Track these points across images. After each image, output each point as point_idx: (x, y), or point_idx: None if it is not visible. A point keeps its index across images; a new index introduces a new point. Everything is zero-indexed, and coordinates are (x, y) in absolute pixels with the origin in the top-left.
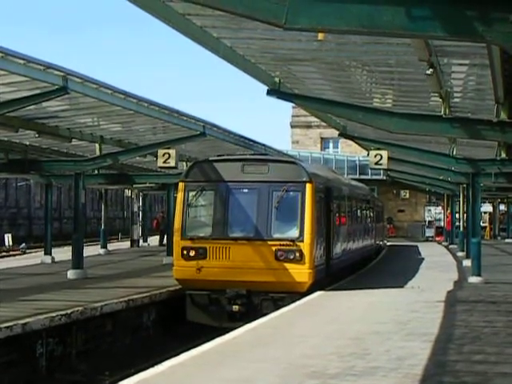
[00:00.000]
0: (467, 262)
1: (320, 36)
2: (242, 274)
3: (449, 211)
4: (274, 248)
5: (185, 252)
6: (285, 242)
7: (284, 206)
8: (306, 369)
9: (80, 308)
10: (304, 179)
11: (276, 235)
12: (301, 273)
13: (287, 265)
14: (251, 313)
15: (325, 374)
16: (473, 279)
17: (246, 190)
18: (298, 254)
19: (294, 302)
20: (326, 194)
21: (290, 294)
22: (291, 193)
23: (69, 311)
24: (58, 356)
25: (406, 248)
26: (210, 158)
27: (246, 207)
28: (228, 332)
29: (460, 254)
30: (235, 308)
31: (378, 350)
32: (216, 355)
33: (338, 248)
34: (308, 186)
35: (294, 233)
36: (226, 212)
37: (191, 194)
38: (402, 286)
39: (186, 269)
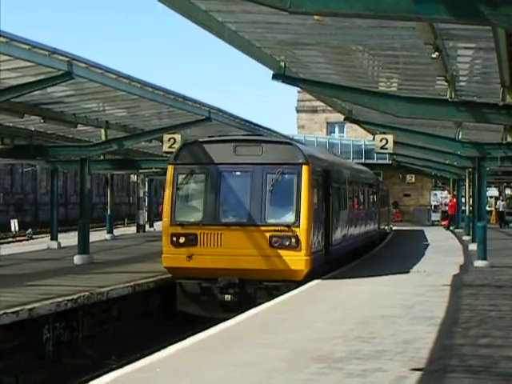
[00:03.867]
0: (473, 246)
1: (316, 16)
2: (235, 261)
3: (451, 195)
4: (268, 234)
5: (174, 239)
6: (280, 228)
7: (279, 189)
8: (312, 353)
9: (86, 293)
10: (300, 161)
11: (270, 220)
12: (297, 260)
13: (282, 251)
14: (244, 302)
15: (330, 358)
16: (478, 263)
17: (238, 173)
18: (293, 240)
19: (289, 290)
20: (324, 176)
21: (286, 282)
22: (286, 175)
23: (75, 296)
24: (64, 341)
25: (412, 233)
26: (200, 139)
27: (238, 191)
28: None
29: (466, 238)
30: (227, 297)
31: (383, 334)
32: (222, 340)
33: (338, 234)
34: (304, 168)
35: (289, 218)
36: (217, 196)
37: (181, 177)
38: (407, 271)
39: (175, 256)
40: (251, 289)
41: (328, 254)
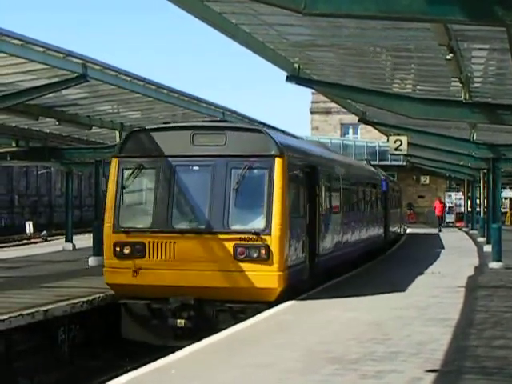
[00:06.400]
0: (488, 248)
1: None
2: (190, 277)
3: (437, 196)
4: (232, 243)
5: (118, 249)
6: (246, 236)
7: (246, 188)
8: (327, 354)
9: (101, 294)
10: (272, 152)
11: (235, 227)
12: (267, 276)
13: (249, 265)
14: (202, 328)
15: (345, 360)
16: (493, 264)
17: (196, 168)
18: (263, 252)
19: (259, 312)
20: (308, 173)
21: (255, 303)
22: (256, 170)
23: (90, 298)
24: (79, 342)
25: (426, 235)
26: (149, 127)
27: (196, 190)
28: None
29: (480, 239)
30: (180, 323)
31: (398, 335)
32: (236, 342)
33: (328, 241)
34: (278, 162)
35: (258, 223)
36: (170, 197)
37: (126, 173)
38: (422, 272)
39: (119, 270)
40: (210, 311)
41: (314, 267)
